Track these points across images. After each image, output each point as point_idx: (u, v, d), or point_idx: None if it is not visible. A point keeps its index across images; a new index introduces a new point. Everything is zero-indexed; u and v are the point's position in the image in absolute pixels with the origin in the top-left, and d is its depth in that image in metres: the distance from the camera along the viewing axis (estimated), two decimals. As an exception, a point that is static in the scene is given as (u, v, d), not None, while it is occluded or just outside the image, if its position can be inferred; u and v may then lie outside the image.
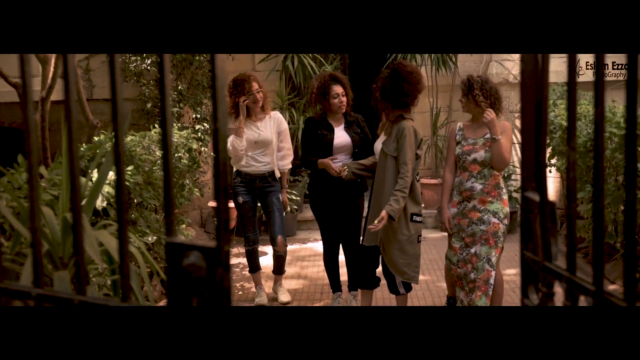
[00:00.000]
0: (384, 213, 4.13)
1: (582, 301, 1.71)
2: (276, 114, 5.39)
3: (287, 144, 5.40)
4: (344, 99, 4.89)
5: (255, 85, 5.16)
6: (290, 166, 5.46)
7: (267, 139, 5.25)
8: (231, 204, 5.41)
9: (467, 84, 4.36)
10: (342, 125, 4.97)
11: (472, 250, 4.33)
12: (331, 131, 4.94)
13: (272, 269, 5.70)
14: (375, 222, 4.15)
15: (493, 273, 4.31)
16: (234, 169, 5.46)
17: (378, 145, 4.46)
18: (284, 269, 5.65)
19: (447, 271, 4.65)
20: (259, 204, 5.51)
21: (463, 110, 4.52)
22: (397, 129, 4.26)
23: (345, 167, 4.62)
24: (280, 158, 5.37)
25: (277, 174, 5.35)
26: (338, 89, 4.88)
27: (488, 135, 4.29)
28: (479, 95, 4.30)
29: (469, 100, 4.36)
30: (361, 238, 4.62)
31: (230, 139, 5.10)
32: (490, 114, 4.23)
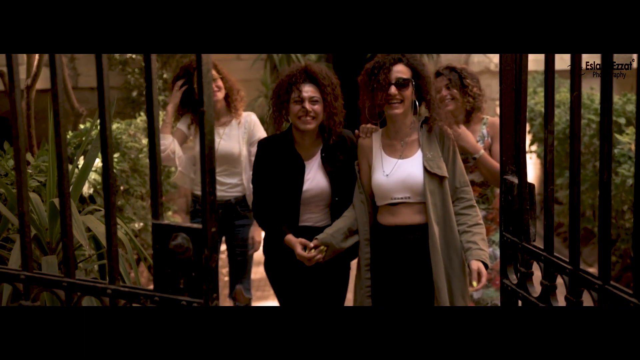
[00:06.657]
0: (479, 266, 2.66)
1: (560, 282, 1.76)
2: (249, 116, 3.76)
3: None
4: (316, 107, 2.86)
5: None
6: None
7: (230, 152, 3.65)
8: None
9: (456, 73, 3.27)
10: (318, 155, 2.97)
11: (474, 297, 3.29)
12: (299, 166, 2.96)
13: None
14: (482, 280, 2.64)
15: None
16: (191, 192, 3.88)
17: (413, 169, 2.83)
18: None
19: None
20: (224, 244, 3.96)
21: (449, 108, 3.25)
22: (438, 138, 2.87)
23: (323, 246, 2.83)
24: None
25: (250, 200, 3.52)
26: (307, 89, 2.87)
27: (481, 142, 3.30)
28: (473, 85, 3.24)
29: (462, 93, 3.26)
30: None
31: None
32: (458, 129, 3.13)
